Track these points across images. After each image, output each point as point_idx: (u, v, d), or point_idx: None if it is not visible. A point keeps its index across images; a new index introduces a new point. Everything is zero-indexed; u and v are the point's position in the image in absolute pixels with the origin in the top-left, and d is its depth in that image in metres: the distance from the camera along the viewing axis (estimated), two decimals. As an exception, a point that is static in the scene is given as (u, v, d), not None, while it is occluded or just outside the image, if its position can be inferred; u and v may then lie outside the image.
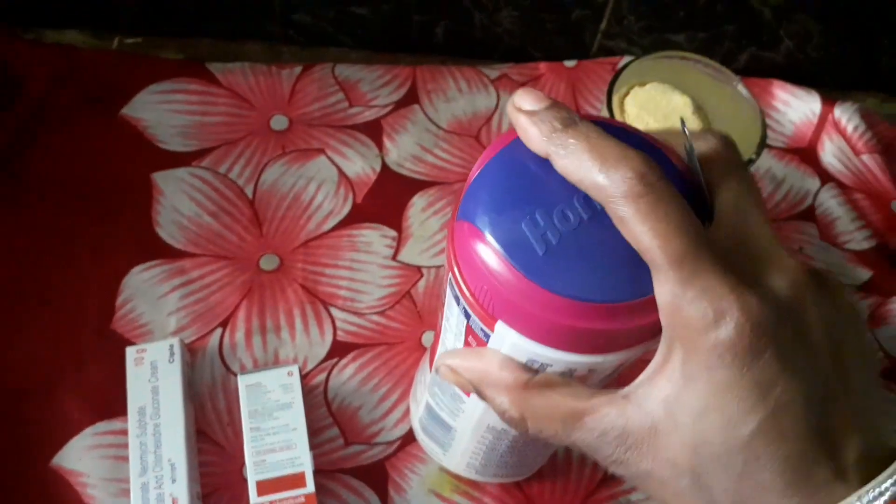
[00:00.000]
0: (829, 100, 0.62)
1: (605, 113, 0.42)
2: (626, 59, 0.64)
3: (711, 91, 0.44)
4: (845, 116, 0.61)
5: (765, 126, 0.42)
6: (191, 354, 0.48)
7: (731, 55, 0.64)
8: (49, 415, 0.45)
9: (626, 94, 0.44)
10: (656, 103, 0.43)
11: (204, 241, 0.52)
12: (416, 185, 0.56)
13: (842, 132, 0.61)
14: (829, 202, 0.59)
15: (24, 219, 0.51)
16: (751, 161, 0.41)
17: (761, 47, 0.63)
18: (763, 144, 0.41)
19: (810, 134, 0.62)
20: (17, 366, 0.46)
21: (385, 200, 0.55)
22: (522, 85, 0.62)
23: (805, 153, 0.61)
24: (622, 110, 0.43)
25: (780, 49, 0.63)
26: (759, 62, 0.64)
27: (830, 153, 0.61)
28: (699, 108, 0.43)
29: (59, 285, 0.49)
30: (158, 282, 0.50)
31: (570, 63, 0.63)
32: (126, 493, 0.41)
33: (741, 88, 0.43)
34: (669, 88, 0.43)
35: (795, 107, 0.63)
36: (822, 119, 0.62)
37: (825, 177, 0.60)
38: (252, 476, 0.42)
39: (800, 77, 0.64)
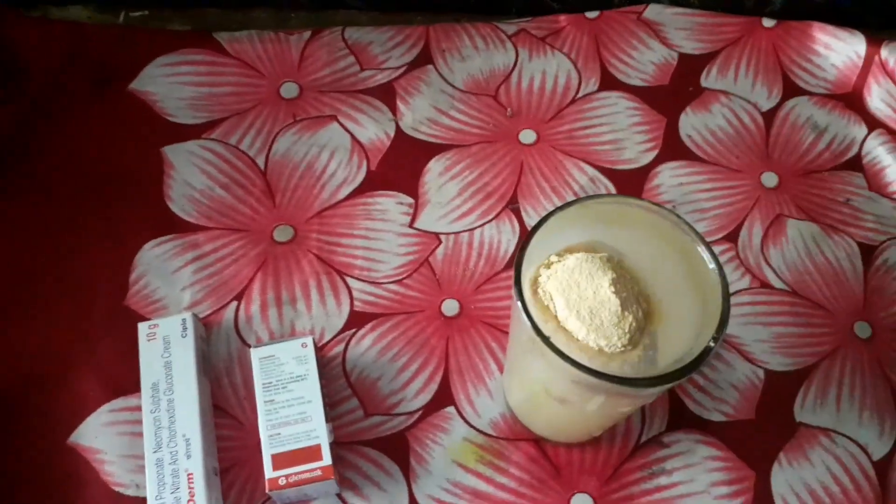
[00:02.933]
0: (874, 40, 0.57)
1: (514, 294, 0.32)
2: (653, 8, 0.60)
3: (665, 248, 0.33)
4: (893, 57, 0.56)
5: (727, 301, 0.31)
6: (206, 329, 0.47)
7: (766, -2, 0.60)
8: (65, 393, 0.45)
9: (548, 265, 0.33)
10: (580, 292, 0.31)
11: (217, 213, 0.51)
12: (432, 150, 0.54)
13: (890, 74, 0.56)
14: (878, 150, 0.55)
15: (35, 200, 0.51)
16: (708, 350, 0.31)
17: (799, -13, 0.59)
18: (724, 327, 0.31)
19: (855, 78, 0.58)
20: (34, 346, 0.46)
21: (400, 166, 0.53)
22: (542, 40, 0.59)
23: (850, 98, 0.57)
24: (536, 295, 0.32)
25: (820, -12, 0.59)
26: (797, 4, 0.60)
27: (878, 97, 0.56)
28: (637, 298, 0.32)
29: (73, 265, 0.49)
30: (172, 256, 0.49)
31: (591, 14, 0.60)
32: (143, 468, 0.41)
33: (702, 251, 0.33)
34: (601, 264, 0.32)
35: (838, 49, 0.58)
36: (868, 61, 0.57)
37: (872, 123, 0.56)
38: (267, 450, 0.40)
39: (842, 17, 0.59)
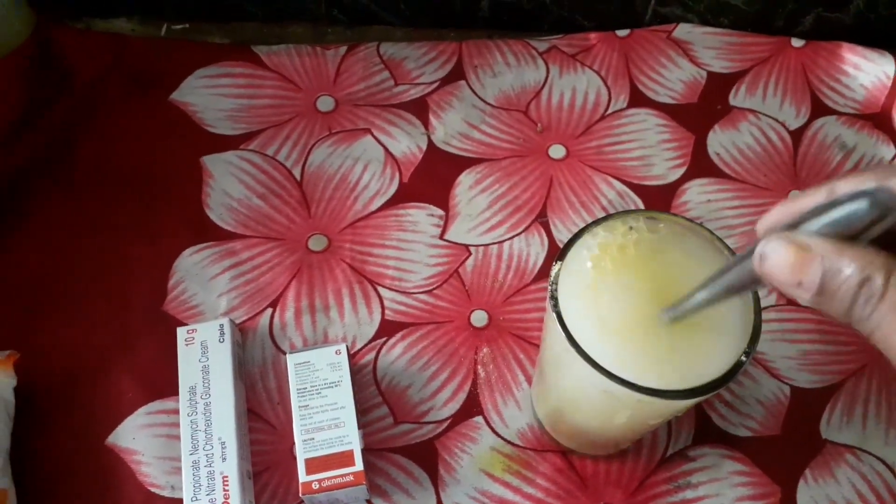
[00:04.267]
0: (903, 61, 0.58)
1: (548, 306, 0.33)
2: (682, 27, 0.61)
3: (693, 264, 0.33)
4: (922, 78, 0.57)
5: (759, 315, 0.32)
6: (241, 334, 0.48)
7: (795, 18, 0.60)
8: (104, 395, 0.46)
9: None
10: None
11: (253, 222, 0.52)
12: (463, 163, 0.55)
13: (919, 95, 0.57)
14: (906, 170, 0.55)
15: (77, 205, 0.52)
16: (740, 364, 0.31)
17: (828, 8, 0.59)
18: (756, 341, 0.31)
19: (884, 98, 0.58)
20: (73, 348, 0.47)
21: (432, 179, 0.54)
22: (573, 57, 0.60)
23: (878, 119, 0.58)
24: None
25: (849, 9, 0.59)
26: (826, 24, 0.61)
27: (906, 118, 0.57)
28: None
29: (113, 269, 0.50)
30: (209, 263, 0.50)
31: (622, 32, 0.61)
32: (179, 470, 0.42)
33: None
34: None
35: (867, 70, 0.59)
36: (897, 82, 0.58)
37: (901, 143, 0.57)
38: (301, 454, 0.41)
39: (871, 38, 0.60)
